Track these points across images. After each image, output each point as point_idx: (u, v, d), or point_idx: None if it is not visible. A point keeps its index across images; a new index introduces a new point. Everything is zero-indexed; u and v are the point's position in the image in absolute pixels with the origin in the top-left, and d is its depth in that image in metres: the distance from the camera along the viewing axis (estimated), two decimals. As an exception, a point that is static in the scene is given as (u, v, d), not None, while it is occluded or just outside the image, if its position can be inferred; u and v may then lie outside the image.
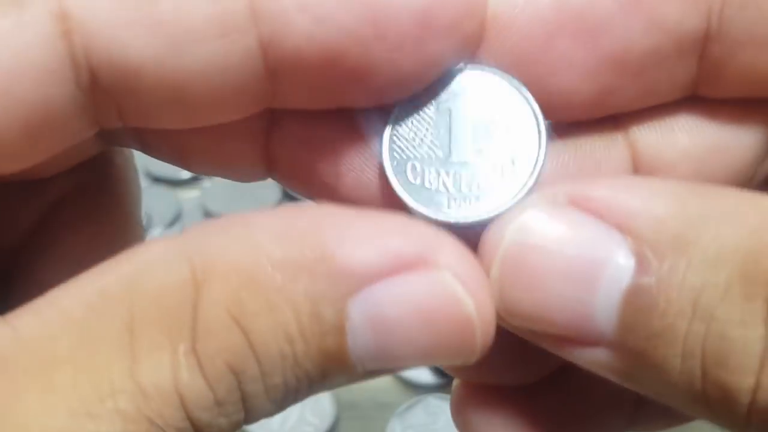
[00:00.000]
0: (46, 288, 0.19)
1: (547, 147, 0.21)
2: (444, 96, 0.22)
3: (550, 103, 0.21)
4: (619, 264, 0.17)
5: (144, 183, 0.65)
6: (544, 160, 0.21)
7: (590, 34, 0.20)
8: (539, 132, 0.21)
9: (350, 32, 0.19)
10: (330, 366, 0.18)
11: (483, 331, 0.19)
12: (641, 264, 0.17)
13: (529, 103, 0.21)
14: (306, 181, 0.23)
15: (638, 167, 0.22)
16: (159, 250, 0.18)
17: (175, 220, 0.63)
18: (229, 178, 0.24)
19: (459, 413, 0.25)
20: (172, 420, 0.17)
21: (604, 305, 0.18)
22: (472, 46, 0.21)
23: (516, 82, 0.21)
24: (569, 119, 0.22)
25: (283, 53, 0.19)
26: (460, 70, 0.21)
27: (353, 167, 0.22)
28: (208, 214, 0.62)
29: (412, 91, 0.21)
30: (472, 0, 0.20)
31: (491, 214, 0.21)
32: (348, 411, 0.51)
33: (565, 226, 0.18)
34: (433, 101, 0.22)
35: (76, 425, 0.16)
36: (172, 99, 0.20)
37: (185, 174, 0.66)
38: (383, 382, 0.53)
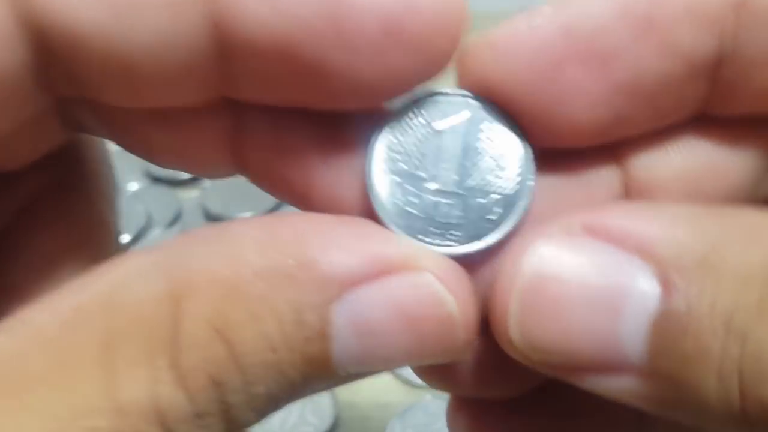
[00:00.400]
0: (19, 288, 0.19)
1: (534, 189, 0.21)
2: (438, 115, 0.21)
3: (557, 131, 0.21)
4: (643, 290, 0.17)
5: (144, 183, 0.65)
6: (527, 206, 0.21)
7: (601, 61, 0.19)
8: (529, 175, 0.21)
9: (307, 25, 0.18)
10: (313, 372, 0.18)
11: (465, 330, 0.19)
12: (667, 288, 0.17)
13: (521, 141, 0.21)
14: (277, 186, 0.22)
15: (630, 188, 0.22)
16: (137, 265, 0.18)
17: (175, 220, 0.63)
18: (198, 175, 0.24)
19: (452, 425, 0.25)
20: None
21: (631, 332, 0.17)
22: (441, 66, 0.20)
23: (505, 114, 0.21)
24: (575, 146, 0.21)
25: (233, 35, 0.19)
26: (458, 94, 0.21)
27: (325, 178, 0.21)
28: (208, 214, 0.62)
29: (378, 102, 0.20)
30: (446, 17, 0.19)
31: (465, 250, 0.20)
32: (348, 411, 0.51)
33: (584, 256, 0.18)
34: (426, 120, 0.21)
35: None
36: (118, 68, 0.19)
37: (185, 174, 0.65)
38: (383, 382, 0.53)
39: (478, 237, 0.21)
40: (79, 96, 0.21)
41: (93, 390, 0.16)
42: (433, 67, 0.20)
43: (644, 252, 0.17)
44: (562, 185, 0.21)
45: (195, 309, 0.17)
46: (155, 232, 0.62)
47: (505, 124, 0.21)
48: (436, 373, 0.23)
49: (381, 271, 0.18)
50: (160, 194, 0.65)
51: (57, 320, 0.17)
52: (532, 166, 0.21)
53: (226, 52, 0.19)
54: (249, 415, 0.18)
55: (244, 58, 0.19)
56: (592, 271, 0.18)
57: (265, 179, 0.22)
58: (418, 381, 0.55)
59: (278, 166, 0.21)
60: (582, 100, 0.20)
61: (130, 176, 0.65)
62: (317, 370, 0.18)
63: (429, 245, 0.21)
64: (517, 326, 0.19)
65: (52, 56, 0.19)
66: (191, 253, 0.18)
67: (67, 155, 0.25)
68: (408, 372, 0.52)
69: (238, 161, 0.22)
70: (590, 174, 0.21)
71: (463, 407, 0.25)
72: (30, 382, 0.16)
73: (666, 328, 0.17)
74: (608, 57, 0.19)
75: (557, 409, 0.24)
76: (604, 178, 0.22)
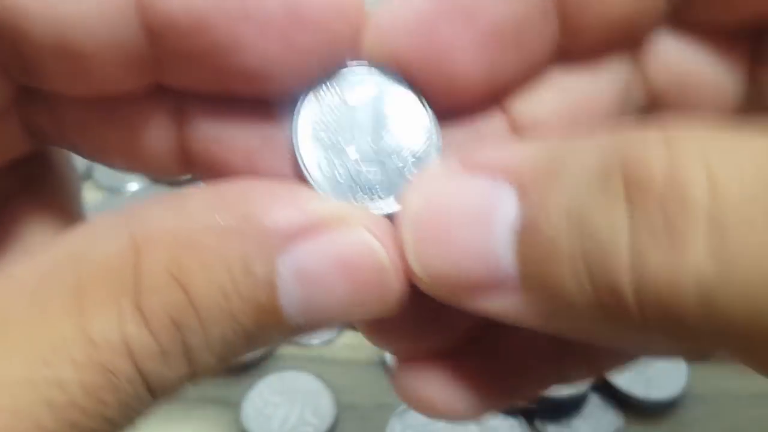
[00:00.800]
0: None
1: (440, 145, 0.23)
2: (349, 89, 0.23)
3: (444, 90, 0.23)
4: (506, 204, 0.19)
5: (144, 183, 0.65)
6: (438, 160, 0.23)
7: (467, 15, 0.22)
8: (434, 135, 0.23)
9: (219, 4, 0.20)
10: (264, 320, 0.20)
11: (397, 278, 0.21)
12: (523, 199, 0.19)
13: (424, 104, 0.23)
14: (221, 176, 0.24)
15: (516, 131, 0.24)
16: (103, 225, 0.20)
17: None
18: (150, 176, 0.26)
19: (396, 384, 0.26)
20: (123, 368, 0.18)
21: (502, 246, 0.19)
22: (346, 46, 0.22)
23: (406, 82, 0.23)
24: (462, 103, 0.23)
25: (156, 11, 0.20)
26: (359, 65, 0.23)
27: (265, 161, 0.23)
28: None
29: (291, 83, 0.22)
30: (343, 3, 0.21)
31: (392, 209, 0.22)
32: (348, 411, 0.51)
33: (459, 185, 0.20)
34: (339, 94, 0.23)
35: (33, 371, 0.18)
36: (56, 46, 0.21)
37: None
38: (383, 382, 0.53)
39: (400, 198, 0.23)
40: (29, 83, 0.22)
41: (67, 327, 0.18)
42: (335, 48, 0.22)
43: (506, 172, 0.20)
44: (461, 139, 0.24)
45: (153, 258, 0.19)
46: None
47: (408, 90, 0.23)
48: (374, 327, 0.25)
49: (320, 225, 0.20)
50: (160, 194, 0.64)
51: (35, 272, 0.19)
52: (435, 125, 0.23)
53: (151, 27, 0.21)
54: (210, 359, 0.20)
55: (167, 35, 0.21)
56: (465, 196, 0.20)
57: (210, 171, 0.24)
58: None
59: (220, 155, 0.23)
60: (459, 55, 0.22)
61: (129, 176, 0.65)
62: (268, 318, 0.20)
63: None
64: (413, 256, 0.21)
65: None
66: (150, 212, 0.20)
67: (30, 159, 0.26)
68: (408, 372, 0.52)
69: (184, 157, 0.24)
70: (482, 125, 0.24)
71: (406, 369, 0.26)
72: (11, 323, 0.18)
73: (525, 235, 0.19)
74: (472, 11, 0.22)
75: (487, 353, 0.26)
76: (494, 127, 0.24)
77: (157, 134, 0.24)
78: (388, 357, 0.53)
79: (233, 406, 0.50)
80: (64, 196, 0.28)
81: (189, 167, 0.24)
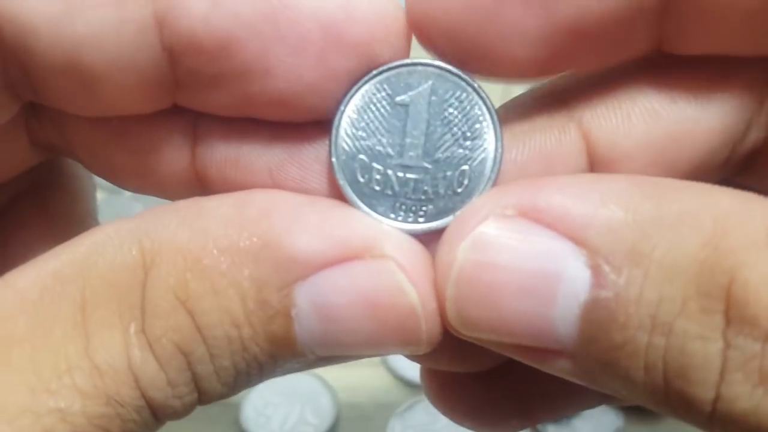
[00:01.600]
0: None
1: (500, 163, 0.20)
2: (400, 88, 0.20)
3: (499, 66, 0.20)
4: (574, 276, 0.17)
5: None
6: (495, 176, 0.20)
7: (541, 2, 0.19)
8: (496, 144, 0.20)
9: (247, 24, 0.18)
10: (279, 351, 0.18)
11: (428, 321, 0.19)
12: (597, 277, 0.17)
13: (487, 109, 0.20)
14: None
15: (593, 159, 0.21)
16: (111, 232, 0.19)
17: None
18: (164, 198, 0.24)
19: (426, 391, 0.26)
20: (129, 398, 0.17)
21: (563, 318, 0.17)
22: (384, 63, 0.20)
23: (471, 81, 0.20)
24: (516, 79, 0.21)
25: (177, 31, 0.19)
26: (414, 63, 0.20)
27: (293, 182, 0.21)
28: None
29: (326, 107, 0.20)
30: (383, 24, 0.19)
31: (436, 225, 0.20)
32: (348, 411, 0.51)
33: (516, 241, 0.18)
34: (388, 93, 0.20)
35: (37, 401, 0.17)
36: (68, 66, 0.19)
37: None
38: (383, 382, 0.53)
39: (447, 211, 0.20)
40: (37, 101, 0.21)
41: (71, 350, 0.17)
42: (374, 66, 0.20)
43: (576, 237, 0.17)
44: (526, 158, 0.21)
45: (161, 278, 0.18)
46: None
47: (469, 92, 0.20)
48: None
49: (345, 255, 0.18)
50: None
51: (37, 283, 0.18)
52: (499, 134, 0.20)
53: (171, 48, 0.19)
54: (219, 388, 0.19)
55: (188, 55, 0.19)
56: (525, 257, 0.18)
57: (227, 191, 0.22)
58: (418, 381, 0.55)
59: (239, 177, 0.21)
60: (524, 40, 0.19)
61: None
62: (283, 350, 0.19)
63: (397, 223, 0.20)
64: (455, 313, 0.19)
65: (7, 51, 0.19)
66: (163, 223, 0.19)
67: (43, 163, 0.25)
68: (408, 372, 0.52)
69: (199, 178, 0.22)
70: (554, 147, 0.21)
71: (435, 377, 0.25)
72: (14, 342, 0.17)
73: (596, 315, 0.17)
74: None
75: (520, 379, 0.25)
76: (567, 147, 0.21)
77: (170, 156, 0.22)
78: (390, 356, 0.53)
79: (233, 406, 0.50)
80: (74, 201, 0.27)
81: (204, 189, 0.22)
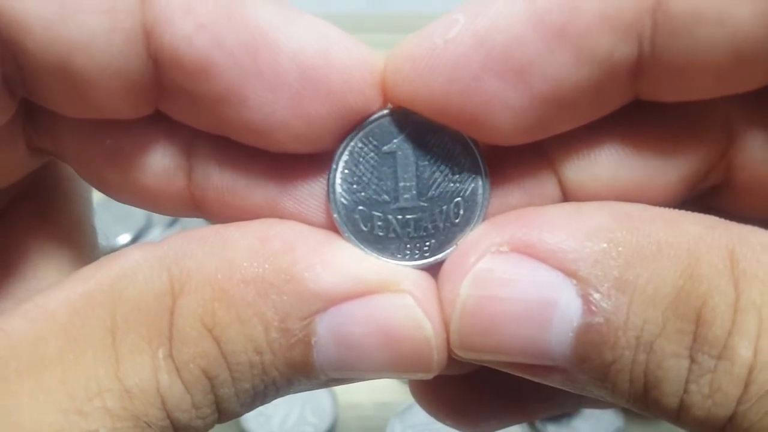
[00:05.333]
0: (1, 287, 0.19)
1: (489, 191, 0.22)
2: (385, 138, 0.21)
3: (484, 136, 0.21)
4: (567, 304, 0.19)
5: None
6: (487, 203, 0.22)
7: (517, 73, 0.19)
8: (482, 174, 0.21)
9: (228, 53, 0.19)
10: (296, 375, 0.20)
11: (439, 352, 0.20)
12: (588, 305, 0.19)
13: (469, 146, 0.21)
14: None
15: (566, 193, 0.22)
16: (140, 258, 0.19)
17: (175, 220, 0.63)
18: (157, 212, 0.24)
19: (414, 395, 0.27)
20: (155, 419, 0.18)
21: (557, 340, 0.19)
22: (356, 118, 0.21)
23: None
24: (504, 144, 0.22)
25: (161, 46, 0.20)
26: (396, 113, 0.21)
27: (288, 208, 0.22)
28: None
29: (299, 146, 0.21)
30: (361, 75, 0.20)
31: (441, 257, 0.21)
32: (348, 411, 0.51)
33: (513, 275, 0.19)
34: (374, 145, 0.21)
35: (69, 423, 0.17)
36: (58, 65, 0.20)
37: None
38: (383, 382, 0.53)
39: (449, 242, 0.22)
40: (28, 97, 0.21)
41: (103, 373, 0.18)
42: (347, 119, 0.20)
43: (566, 269, 0.19)
44: (508, 180, 0.22)
45: (189, 306, 0.19)
46: (155, 232, 0.62)
47: (446, 131, 0.21)
48: None
49: (364, 290, 0.20)
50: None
51: (68, 306, 0.19)
52: (483, 164, 0.21)
53: (155, 59, 0.20)
54: (238, 408, 0.20)
55: (170, 69, 0.20)
56: (522, 289, 0.19)
57: (223, 218, 0.23)
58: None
59: (239, 204, 0.22)
60: (503, 110, 0.20)
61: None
62: (299, 373, 0.20)
63: (405, 262, 0.21)
64: (458, 343, 0.20)
65: (2, 45, 0.20)
66: (190, 252, 0.19)
67: (40, 168, 0.25)
68: (408, 372, 0.52)
69: (194, 200, 0.23)
70: (529, 180, 0.22)
71: (422, 382, 0.26)
72: (46, 364, 0.18)
73: (588, 338, 0.19)
74: (524, 68, 0.19)
75: (498, 384, 0.26)
76: (547, 195, 0.22)
77: (162, 176, 0.22)
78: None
79: (233, 406, 0.50)
80: (70, 203, 0.27)
81: (198, 209, 0.23)
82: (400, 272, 0.21)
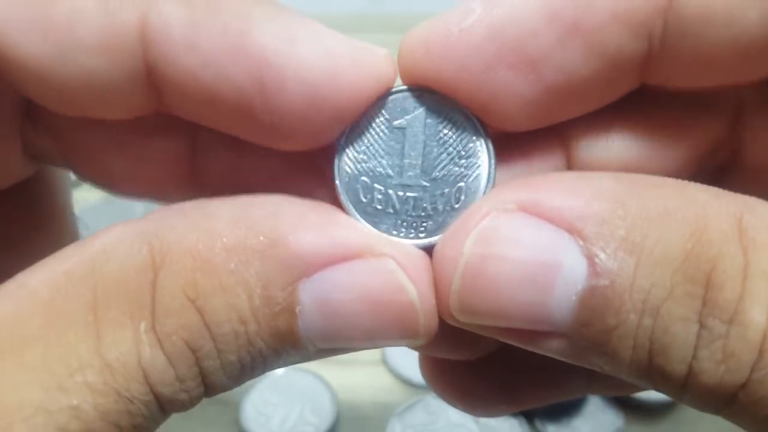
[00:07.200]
0: None
1: (494, 180, 0.21)
2: (397, 113, 0.22)
3: (495, 121, 0.22)
4: (572, 266, 0.18)
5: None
6: (491, 190, 0.21)
7: (529, 65, 0.20)
8: (489, 163, 0.21)
9: (234, 87, 0.20)
10: (282, 345, 0.20)
11: (426, 317, 0.20)
12: (593, 266, 0.18)
13: (479, 128, 0.21)
14: None
15: (573, 168, 0.23)
16: (120, 233, 0.19)
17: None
18: (159, 202, 0.25)
19: (426, 379, 0.27)
20: (138, 393, 0.18)
21: (559, 304, 0.19)
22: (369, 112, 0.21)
23: (463, 106, 0.21)
24: (515, 130, 0.22)
25: (166, 82, 0.20)
26: (414, 91, 0.21)
27: (292, 187, 0.22)
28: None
29: (297, 147, 0.21)
30: (370, 86, 0.20)
31: (436, 240, 0.21)
32: (348, 411, 0.51)
33: (518, 233, 0.19)
34: (386, 118, 0.22)
35: (50, 399, 0.17)
36: (59, 100, 0.20)
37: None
38: (383, 382, 0.53)
39: (446, 226, 0.21)
40: (27, 94, 0.22)
41: (84, 349, 0.18)
42: (349, 122, 0.21)
43: (573, 228, 0.19)
44: (516, 170, 0.23)
45: (171, 277, 0.19)
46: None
47: (461, 114, 0.21)
48: None
49: (347, 254, 0.19)
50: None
51: (49, 284, 0.19)
52: (492, 152, 0.22)
53: (158, 91, 0.20)
54: (225, 381, 0.20)
55: (174, 100, 0.20)
56: (527, 248, 0.19)
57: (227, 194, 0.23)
58: (418, 381, 0.55)
59: (241, 182, 0.22)
60: (514, 99, 0.21)
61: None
62: (285, 344, 0.20)
63: (399, 239, 0.21)
64: (457, 303, 0.20)
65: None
66: (171, 224, 0.19)
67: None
68: (408, 372, 0.52)
69: (200, 188, 0.23)
70: (540, 159, 0.23)
71: (432, 363, 0.27)
72: (27, 342, 0.18)
73: (591, 301, 0.18)
74: (536, 60, 0.20)
75: (509, 368, 0.26)
76: (552, 162, 0.23)
77: (167, 164, 0.23)
78: (389, 356, 0.53)
79: (233, 406, 0.50)
80: (53, 194, 0.27)
81: (202, 193, 0.23)
82: (384, 238, 0.20)
